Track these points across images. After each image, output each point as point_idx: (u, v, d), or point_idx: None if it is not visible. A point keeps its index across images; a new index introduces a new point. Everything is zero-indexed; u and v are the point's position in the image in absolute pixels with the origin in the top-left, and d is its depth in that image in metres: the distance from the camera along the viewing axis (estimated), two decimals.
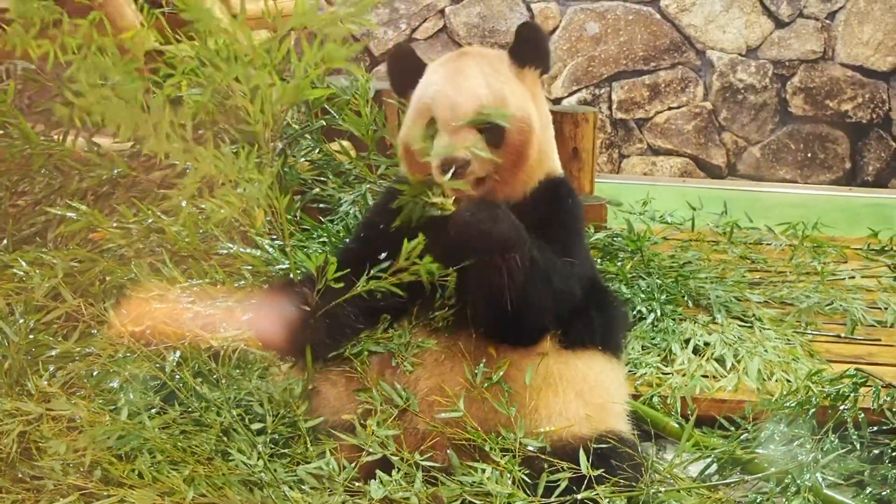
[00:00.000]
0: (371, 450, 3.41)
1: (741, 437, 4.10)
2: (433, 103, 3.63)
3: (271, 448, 3.53)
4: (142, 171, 4.46)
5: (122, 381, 3.67)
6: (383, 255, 3.50)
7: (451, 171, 3.48)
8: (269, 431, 3.58)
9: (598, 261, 5.90)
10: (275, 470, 3.41)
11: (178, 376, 3.72)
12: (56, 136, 4.52)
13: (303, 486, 3.37)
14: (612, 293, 4.11)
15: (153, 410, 3.63)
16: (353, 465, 3.40)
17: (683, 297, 5.62)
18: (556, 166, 3.88)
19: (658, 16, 10.43)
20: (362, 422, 3.49)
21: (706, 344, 5.01)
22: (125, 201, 4.25)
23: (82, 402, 3.52)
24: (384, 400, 3.55)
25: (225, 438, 3.55)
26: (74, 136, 4.49)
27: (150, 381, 3.72)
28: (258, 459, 3.42)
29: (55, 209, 4.16)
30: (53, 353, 3.73)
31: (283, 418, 3.63)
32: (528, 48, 3.76)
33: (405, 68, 3.86)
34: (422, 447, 3.49)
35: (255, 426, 3.59)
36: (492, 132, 3.58)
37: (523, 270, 3.39)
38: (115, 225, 3.96)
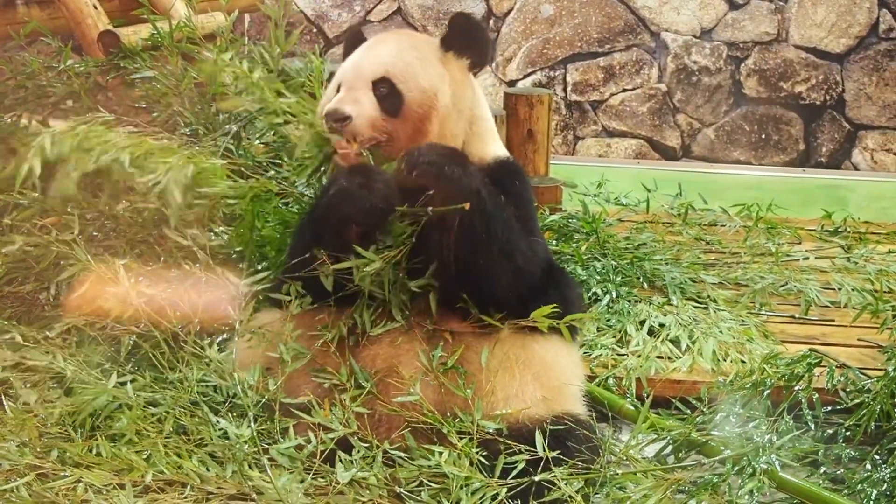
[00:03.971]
0: (335, 428, 3.40)
1: (697, 420, 4.12)
2: (343, 67, 3.74)
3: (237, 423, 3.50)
4: None
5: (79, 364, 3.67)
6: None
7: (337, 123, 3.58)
8: (233, 407, 3.56)
9: (554, 242, 5.91)
10: (243, 445, 3.39)
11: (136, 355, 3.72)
12: (9, 119, 4.47)
13: (260, 463, 3.35)
14: (568, 275, 4.12)
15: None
16: (317, 443, 3.39)
17: (639, 278, 5.65)
18: (493, 150, 3.90)
19: None
20: (320, 402, 3.49)
21: (661, 325, 5.04)
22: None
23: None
24: (338, 381, 3.54)
25: (189, 416, 3.54)
26: (28, 119, 4.45)
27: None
28: (232, 435, 3.41)
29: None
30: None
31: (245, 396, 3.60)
32: (456, 36, 3.81)
33: (352, 49, 3.92)
34: (379, 429, 3.49)
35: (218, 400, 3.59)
36: (389, 100, 3.65)
37: (480, 213, 3.43)
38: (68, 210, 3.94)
